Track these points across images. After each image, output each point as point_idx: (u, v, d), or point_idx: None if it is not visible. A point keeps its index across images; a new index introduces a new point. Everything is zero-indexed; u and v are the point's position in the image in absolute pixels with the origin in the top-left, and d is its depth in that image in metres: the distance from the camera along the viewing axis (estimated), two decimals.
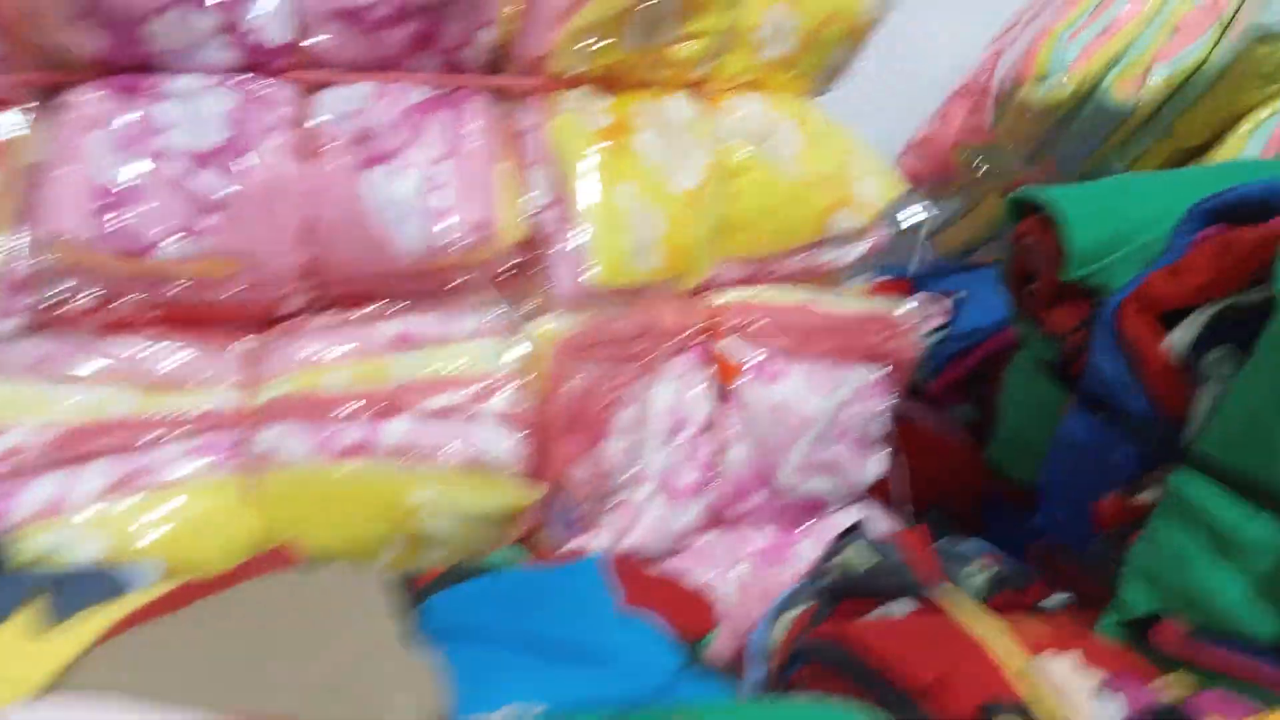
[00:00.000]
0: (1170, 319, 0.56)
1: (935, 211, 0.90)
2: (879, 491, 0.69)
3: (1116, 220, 0.60)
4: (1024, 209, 0.65)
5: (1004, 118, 0.81)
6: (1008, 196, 0.68)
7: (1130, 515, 0.55)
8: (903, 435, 0.77)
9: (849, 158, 0.64)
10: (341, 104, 0.52)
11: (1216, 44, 0.75)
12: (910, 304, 0.69)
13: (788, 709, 0.39)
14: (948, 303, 0.87)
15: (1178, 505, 0.51)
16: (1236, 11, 0.74)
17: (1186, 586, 0.49)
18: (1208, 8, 0.75)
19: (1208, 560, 0.48)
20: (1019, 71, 0.75)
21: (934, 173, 0.86)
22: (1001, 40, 0.88)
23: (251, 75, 0.52)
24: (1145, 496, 0.54)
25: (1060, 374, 0.63)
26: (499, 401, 0.49)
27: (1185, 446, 0.52)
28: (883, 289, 0.96)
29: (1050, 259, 0.62)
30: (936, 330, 0.87)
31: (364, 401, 0.48)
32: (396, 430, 0.48)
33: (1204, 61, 0.75)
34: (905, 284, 0.95)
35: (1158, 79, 0.74)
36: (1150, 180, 0.69)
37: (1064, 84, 0.74)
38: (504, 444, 0.49)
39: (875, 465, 0.65)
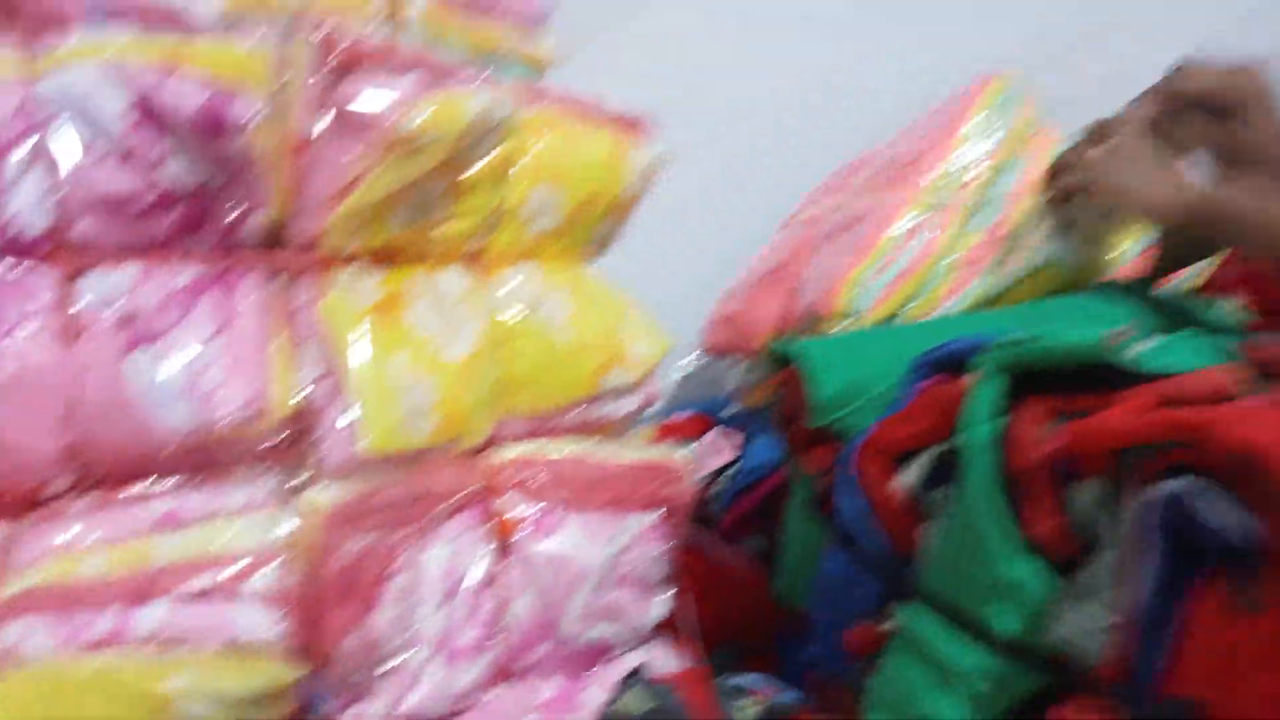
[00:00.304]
0: (904, 461, 0.63)
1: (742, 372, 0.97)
2: (671, 629, 0.72)
3: (857, 370, 0.67)
4: (783, 359, 0.72)
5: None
6: (771, 346, 0.75)
7: (876, 645, 0.59)
8: (697, 569, 0.81)
9: (620, 320, 0.69)
10: (106, 287, 0.53)
11: (996, 276, 0.83)
12: (688, 449, 0.74)
13: None
14: (739, 438, 0.93)
15: (906, 637, 0.56)
16: (1012, 247, 0.83)
17: (916, 715, 0.53)
18: (990, 242, 0.83)
19: (932, 690, 0.53)
20: (819, 308, 0.83)
21: (742, 349, 0.93)
22: (797, 222, 0.97)
23: (11, 262, 0.52)
24: (886, 627, 0.59)
25: (819, 512, 0.69)
26: (262, 579, 0.49)
27: (913, 581, 0.58)
28: (683, 426, 1.02)
29: (802, 406, 0.68)
30: (729, 465, 0.92)
31: (119, 588, 0.48)
32: (152, 616, 0.48)
33: (988, 294, 0.83)
34: (706, 419, 1.01)
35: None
36: (890, 333, 0.76)
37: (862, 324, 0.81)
38: (266, 622, 0.50)
39: (659, 606, 0.68)
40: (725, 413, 0.97)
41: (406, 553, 0.56)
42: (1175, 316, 0.73)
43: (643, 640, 0.68)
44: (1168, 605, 0.44)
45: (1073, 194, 0.79)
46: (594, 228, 0.68)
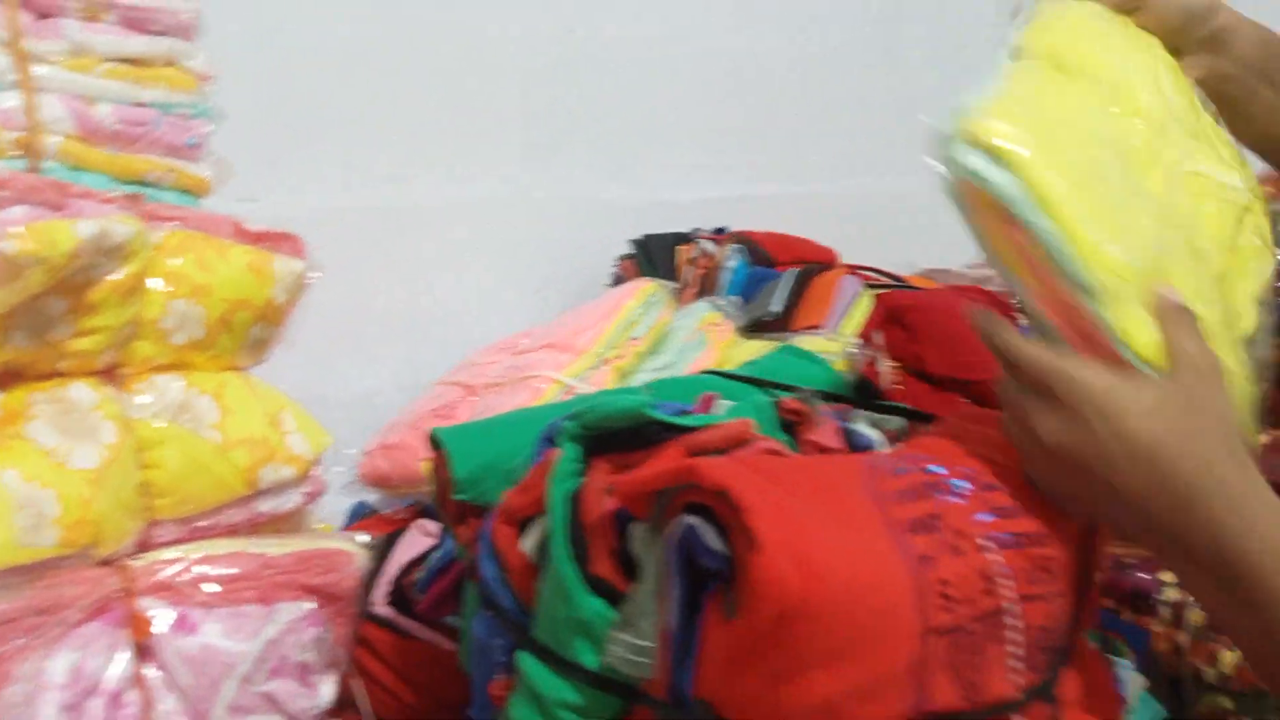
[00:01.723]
0: (525, 526, 0.69)
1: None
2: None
3: (493, 450, 0.73)
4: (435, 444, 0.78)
5: None
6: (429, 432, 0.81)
7: (506, 695, 0.65)
8: (393, 651, 0.84)
9: (276, 417, 0.73)
10: None
11: None
12: (364, 538, 0.78)
13: None
14: (433, 526, 0.98)
15: (521, 683, 0.62)
16: None
17: None
18: None
19: None
20: None
21: (401, 478, 0.99)
22: (463, 368, 1.05)
23: None
24: (512, 677, 0.64)
25: (472, 579, 0.74)
26: None
27: (529, 631, 0.64)
28: (396, 518, 1.06)
29: (447, 485, 0.74)
30: (432, 550, 0.97)
31: None
32: None
33: None
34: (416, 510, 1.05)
35: None
36: (527, 415, 0.84)
37: None
38: None
39: (327, 691, 0.71)
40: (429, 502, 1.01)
41: (26, 663, 0.57)
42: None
43: None
44: (690, 622, 0.52)
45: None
46: (242, 336, 0.73)
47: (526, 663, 0.61)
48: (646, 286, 1.03)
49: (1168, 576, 1.10)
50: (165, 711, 0.63)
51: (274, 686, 0.67)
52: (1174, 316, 0.50)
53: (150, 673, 0.63)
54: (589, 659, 0.57)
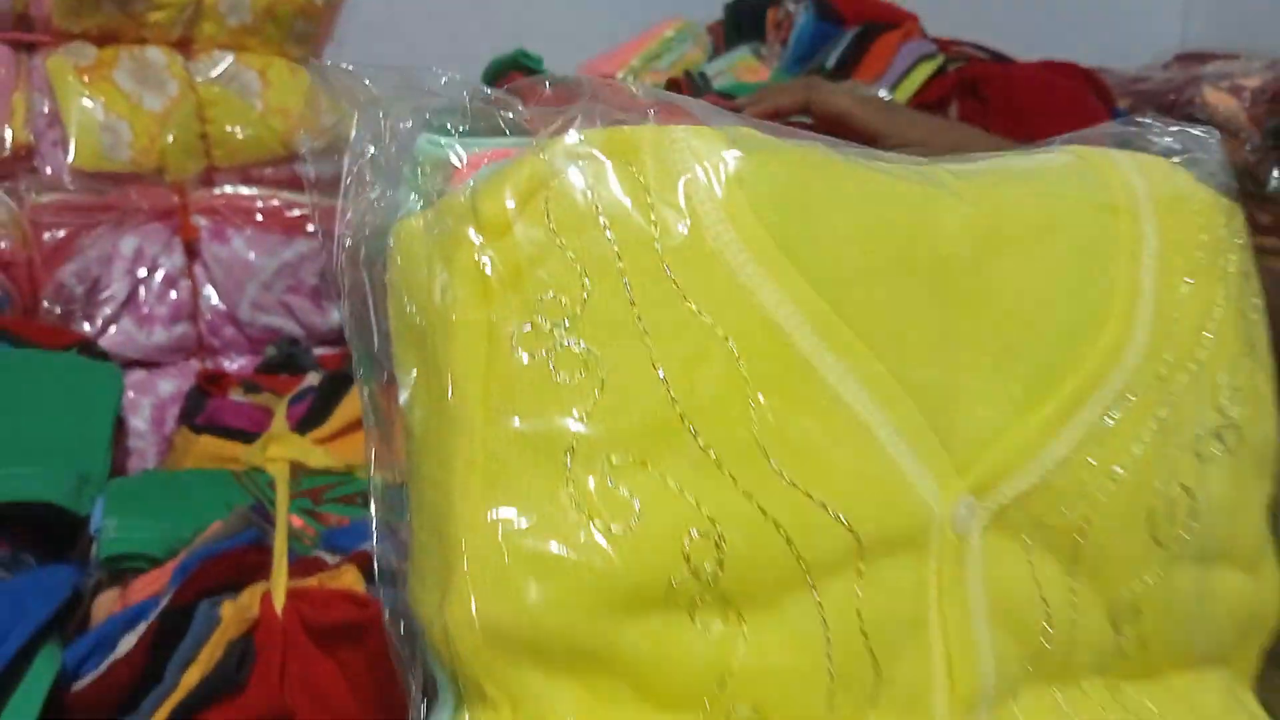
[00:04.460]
0: None
1: None
2: None
3: None
4: None
5: None
6: None
7: None
8: None
9: (310, 94, 0.90)
10: None
11: None
12: None
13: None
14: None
15: None
16: None
17: None
18: None
19: None
20: None
21: None
22: None
23: None
24: None
25: None
26: None
27: None
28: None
29: None
30: None
31: None
32: None
33: None
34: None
35: None
36: None
37: None
38: None
39: (335, 316, 0.91)
40: None
41: (102, 236, 0.80)
42: None
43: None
44: None
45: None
46: (288, 27, 0.90)
47: None
48: (681, 22, 1.08)
49: None
50: (207, 296, 0.85)
51: (290, 299, 0.88)
52: None
53: (197, 270, 0.85)
54: None
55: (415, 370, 0.26)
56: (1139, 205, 0.33)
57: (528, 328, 0.26)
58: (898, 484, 0.27)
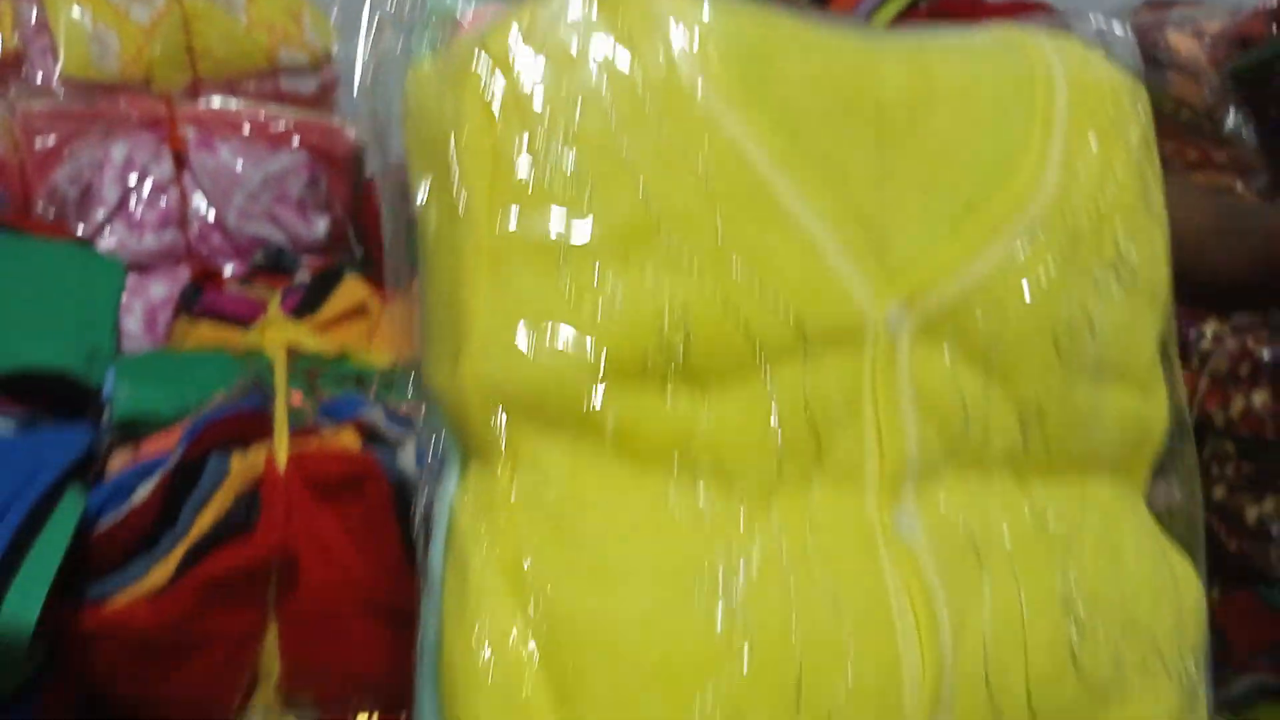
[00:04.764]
0: None
1: None
2: None
3: None
4: None
5: None
6: None
7: None
8: None
9: (296, 14, 0.93)
10: None
11: None
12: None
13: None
14: None
15: None
16: None
17: None
18: None
19: None
20: None
21: None
22: None
23: None
24: None
25: None
26: None
27: None
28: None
29: None
30: None
31: None
32: None
33: None
34: None
35: None
36: None
37: None
38: None
39: (320, 227, 0.94)
40: None
41: (92, 143, 0.83)
42: None
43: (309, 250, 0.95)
44: None
45: None
46: None
47: None
48: None
49: (1208, 328, 1.13)
50: (196, 205, 0.89)
51: (277, 209, 0.91)
52: None
53: (185, 179, 0.88)
54: None
55: (430, 180, 0.31)
56: (1054, 75, 0.38)
57: (527, 147, 0.30)
58: (839, 290, 0.32)
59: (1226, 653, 1.03)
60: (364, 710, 0.62)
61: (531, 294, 0.29)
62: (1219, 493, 1.19)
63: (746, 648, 0.29)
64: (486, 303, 0.29)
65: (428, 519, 0.31)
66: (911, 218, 0.34)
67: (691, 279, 0.30)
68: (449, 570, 0.30)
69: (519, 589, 0.29)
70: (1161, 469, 0.40)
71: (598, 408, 0.29)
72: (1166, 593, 0.37)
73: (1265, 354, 1.15)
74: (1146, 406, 0.38)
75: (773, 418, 0.31)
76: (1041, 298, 0.35)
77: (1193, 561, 0.40)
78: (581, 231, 0.29)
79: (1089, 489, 0.37)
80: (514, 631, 0.28)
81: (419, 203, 0.31)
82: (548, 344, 0.29)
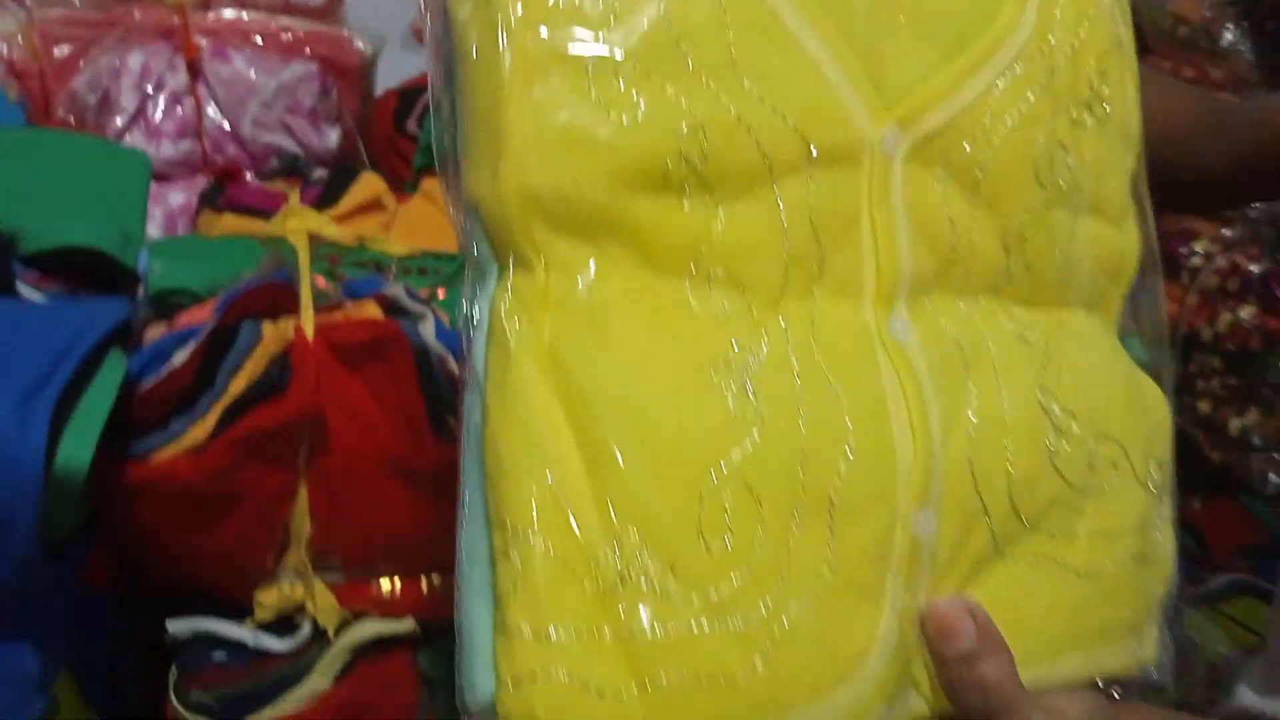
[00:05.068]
0: None
1: None
2: None
3: None
4: None
5: None
6: None
7: None
8: None
9: None
10: None
11: None
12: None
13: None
14: None
15: None
16: None
17: None
18: None
19: None
20: None
21: None
22: None
23: None
24: None
25: None
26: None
27: None
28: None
29: None
30: None
31: None
32: None
33: None
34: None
35: None
36: None
37: None
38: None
39: (332, 137, 0.97)
40: None
41: (109, 50, 0.85)
42: None
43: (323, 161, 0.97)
44: None
45: None
46: None
47: None
48: None
49: (1199, 245, 1.15)
50: (210, 114, 0.91)
51: (290, 119, 0.93)
52: None
53: (200, 89, 0.90)
54: None
55: (470, 2, 0.33)
56: None
57: None
58: (840, 110, 0.35)
59: (1207, 554, 1.07)
60: (385, 575, 0.66)
61: (564, 106, 0.32)
62: (1204, 407, 1.23)
63: (757, 427, 0.32)
64: (522, 115, 0.32)
65: (470, 321, 0.34)
66: (905, 48, 0.36)
67: (708, 95, 0.33)
68: (490, 362, 0.32)
69: (553, 374, 0.32)
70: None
71: (623, 213, 0.32)
72: (1136, 407, 0.40)
73: (1254, 269, 1.18)
74: (1119, 239, 0.42)
75: (781, 227, 0.34)
76: (1022, 128, 0.38)
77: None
78: (608, 48, 0.32)
79: (1066, 317, 0.41)
80: (549, 411, 0.32)
81: (461, 22, 0.33)
82: (580, 149, 0.32)
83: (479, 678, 0.30)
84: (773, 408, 0.33)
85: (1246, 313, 1.13)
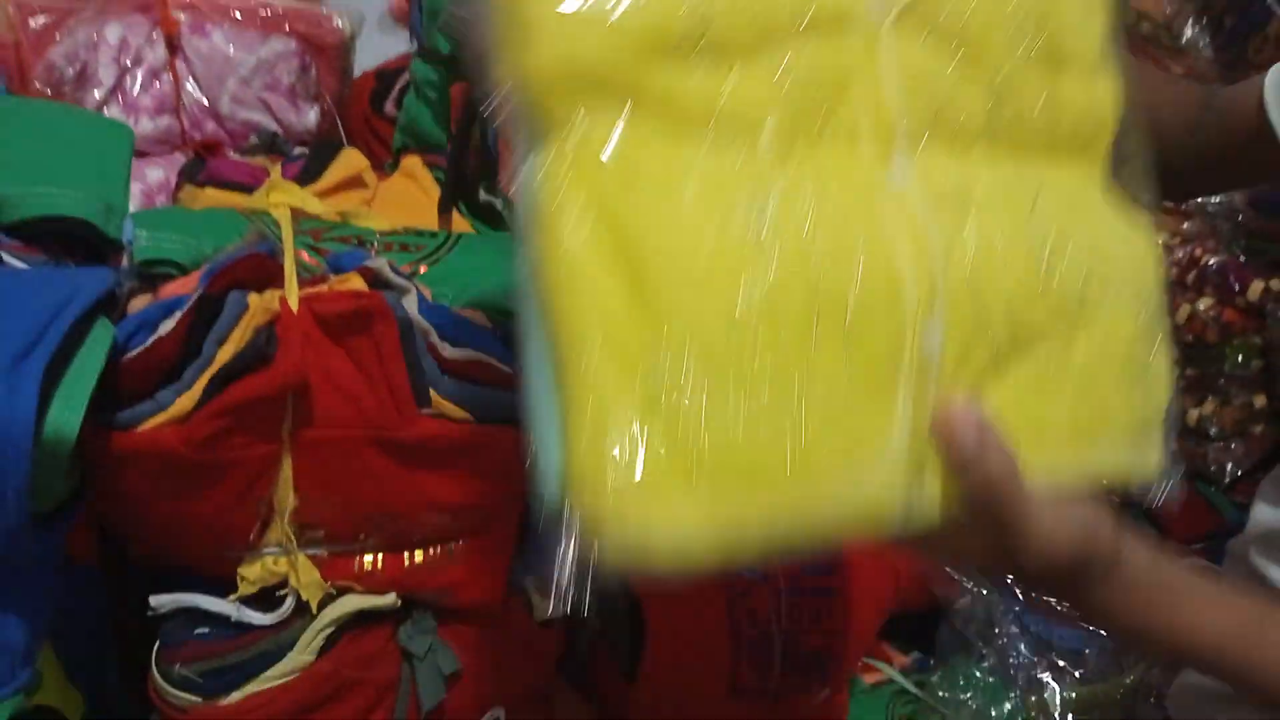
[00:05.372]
0: None
1: None
2: None
3: None
4: None
5: None
6: None
7: None
8: None
9: None
10: None
11: None
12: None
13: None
14: None
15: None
16: None
17: None
18: None
19: None
20: None
21: None
22: None
23: None
24: None
25: None
26: None
27: None
28: None
29: None
30: None
31: None
32: None
33: None
34: None
35: None
36: None
37: None
38: None
39: (311, 117, 0.97)
40: None
41: (86, 22, 0.85)
42: None
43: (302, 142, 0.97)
44: None
45: None
46: None
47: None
48: None
49: (1158, 238, 1.18)
50: (189, 90, 0.91)
51: (268, 96, 0.93)
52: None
53: (178, 65, 0.90)
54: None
55: None
56: None
57: None
58: None
59: (1164, 542, 1.11)
60: (368, 550, 0.67)
61: None
62: None
63: (776, 254, 0.35)
64: None
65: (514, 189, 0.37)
66: None
67: None
68: (535, 215, 0.35)
69: (593, 215, 0.35)
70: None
71: (643, 78, 0.35)
72: (1125, 241, 0.44)
73: (1212, 261, 1.21)
74: (1099, 89, 0.44)
75: (783, 88, 0.37)
76: None
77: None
78: None
79: (1054, 165, 0.43)
80: (591, 243, 0.35)
81: None
82: (596, 26, 0.34)
83: (548, 489, 0.35)
84: (789, 237, 0.36)
85: (1204, 305, 1.17)
